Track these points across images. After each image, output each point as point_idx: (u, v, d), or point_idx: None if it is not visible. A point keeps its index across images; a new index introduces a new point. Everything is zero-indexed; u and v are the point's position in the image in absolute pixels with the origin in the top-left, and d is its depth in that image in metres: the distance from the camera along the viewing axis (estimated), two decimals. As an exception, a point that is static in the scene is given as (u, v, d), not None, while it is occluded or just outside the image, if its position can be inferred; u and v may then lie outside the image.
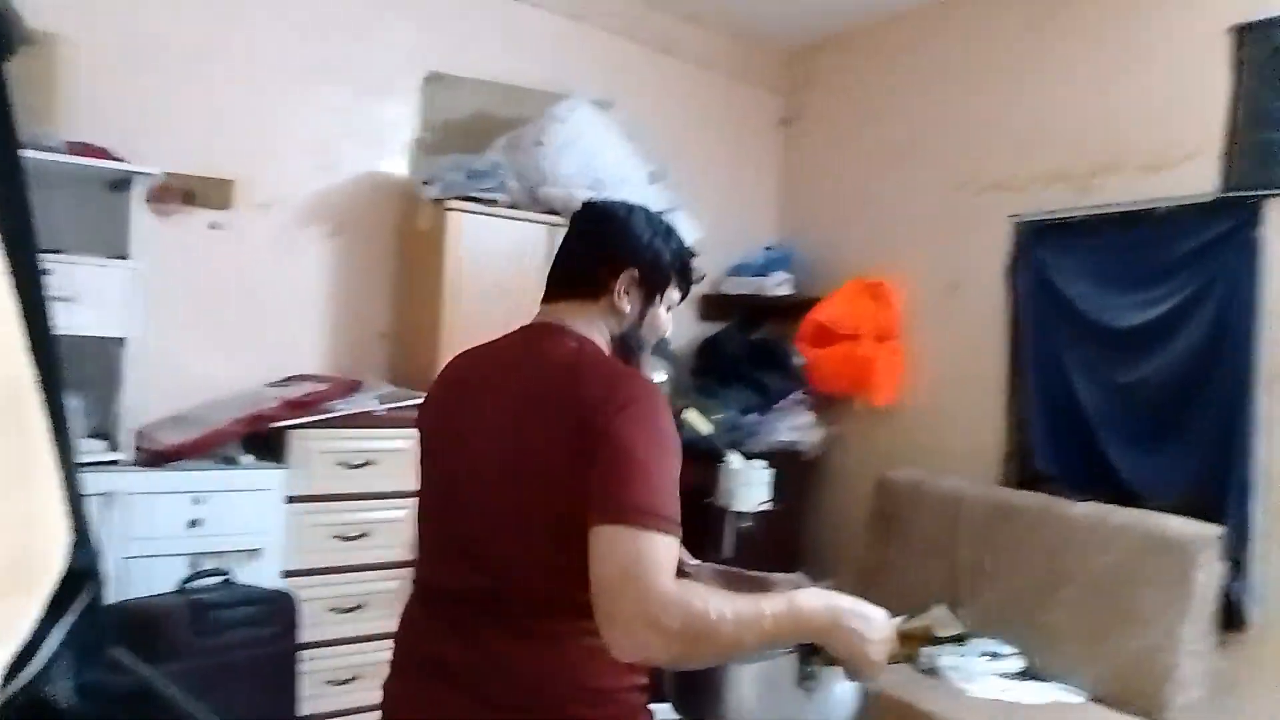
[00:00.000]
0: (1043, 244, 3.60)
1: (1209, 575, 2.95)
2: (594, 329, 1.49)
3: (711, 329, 4.51)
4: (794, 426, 4.27)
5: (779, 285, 4.34)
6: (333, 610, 3.01)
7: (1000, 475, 3.72)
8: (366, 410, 3.07)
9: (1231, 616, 2.98)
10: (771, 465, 3.84)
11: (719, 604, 1.20)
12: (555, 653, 1.34)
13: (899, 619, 1.45)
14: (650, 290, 1.54)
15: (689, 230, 3.75)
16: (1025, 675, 3.14)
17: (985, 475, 3.75)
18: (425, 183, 3.36)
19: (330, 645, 3.00)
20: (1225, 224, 3.05)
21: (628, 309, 1.51)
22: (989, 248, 3.79)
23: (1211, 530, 2.96)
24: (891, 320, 4.12)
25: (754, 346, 4.36)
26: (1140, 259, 3.28)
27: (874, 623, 1.36)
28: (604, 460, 1.25)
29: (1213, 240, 3.07)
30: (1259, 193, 2.98)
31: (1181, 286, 3.14)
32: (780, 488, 3.89)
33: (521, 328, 1.53)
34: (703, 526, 3.91)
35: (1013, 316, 3.70)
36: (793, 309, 4.32)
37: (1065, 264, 3.52)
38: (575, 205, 1.70)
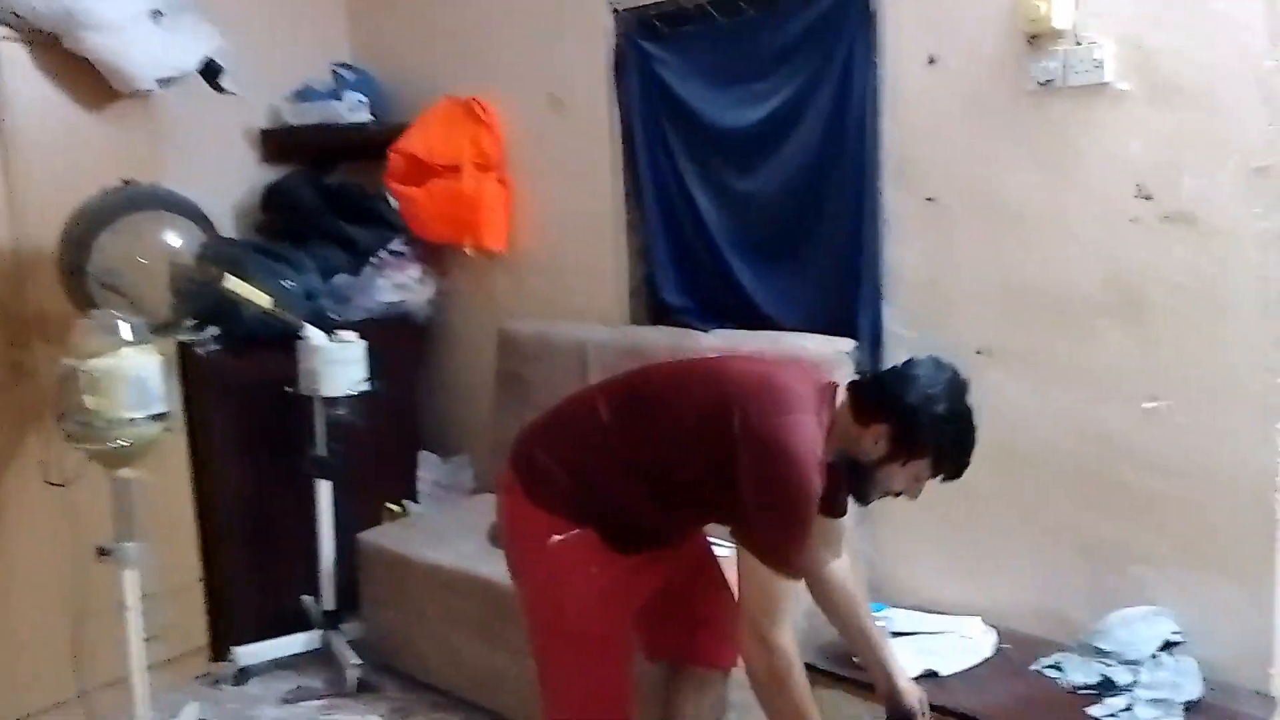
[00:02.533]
0: (650, 38, 3.05)
1: (847, 395, 2.68)
2: (839, 431, 1.73)
3: (276, 174, 3.62)
4: (397, 286, 3.58)
5: (354, 111, 3.52)
6: None
7: (629, 314, 3.27)
8: None
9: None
10: (373, 336, 3.13)
11: (802, 681, 1.73)
12: None
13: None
14: (897, 451, 1.70)
15: (205, 40, 2.84)
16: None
17: (614, 316, 3.29)
18: None
19: None
20: (839, -5, 2.64)
21: (870, 452, 1.71)
22: (591, 48, 3.20)
23: (843, 345, 2.68)
24: (495, 145, 3.47)
25: (333, 192, 3.55)
26: (754, 47, 2.82)
27: None
28: None
29: (828, 15, 2.66)
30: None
31: (796, 72, 2.73)
32: (387, 361, 3.21)
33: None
34: (289, 423, 3.17)
35: (625, 129, 3.18)
36: (375, 142, 3.52)
37: (676, 60, 3.00)
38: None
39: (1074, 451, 2.47)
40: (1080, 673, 2.28)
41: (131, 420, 2.25)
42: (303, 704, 2.93)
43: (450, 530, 3.01)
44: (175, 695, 2.98)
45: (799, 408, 1.67)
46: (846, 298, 2.70)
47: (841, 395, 1.77)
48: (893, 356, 2.70)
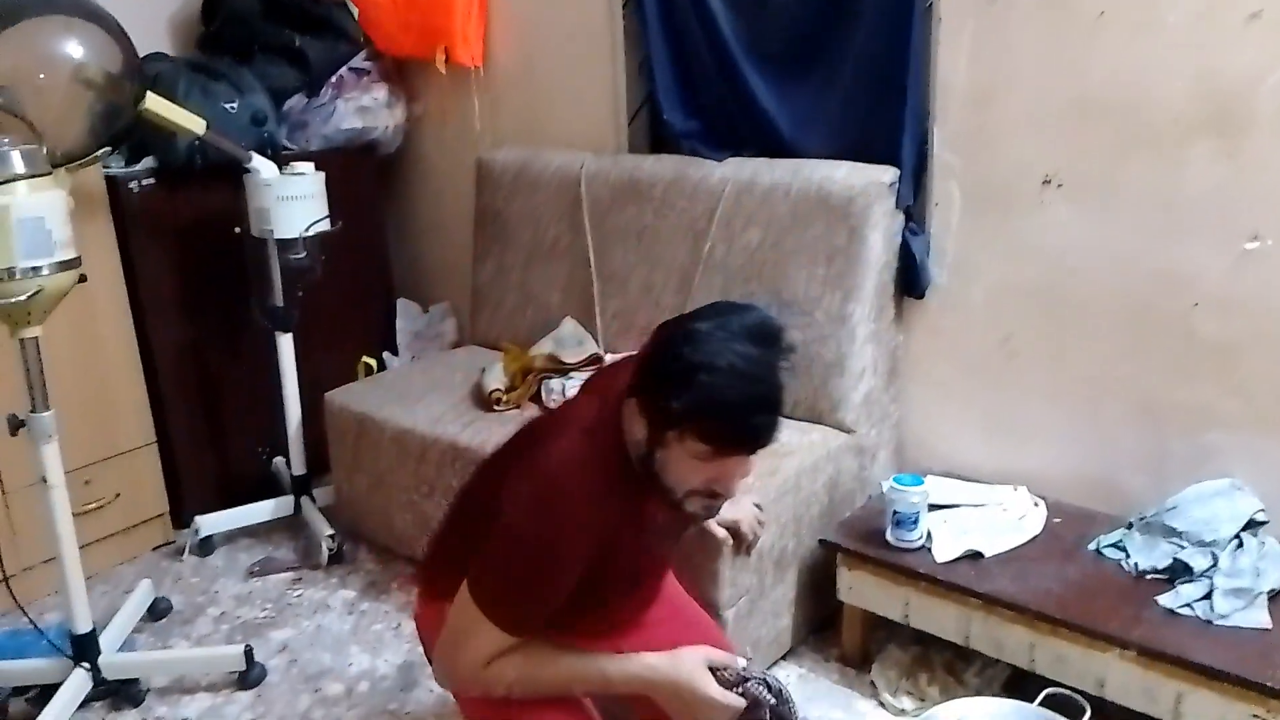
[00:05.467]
0: None
1: (883, 234, 2.29)
2: (626, 427, 1.36)
3: (212, -23, 3.10)
4: (360, 110, 3.11)
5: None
6: None
7: (627, 140, 2.83)
8: None
9: (909, 281, 2.37)
10: (333, 168, 2.71)
11: (510, 664, 1.35)
12: None
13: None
14: (655, 430, 1.30)
15: None
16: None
17: (609, 143, 2.86)
18: None
19: None
20: None
21: (636, 437, 1.33)
22: None
23: (881, 175, 2.27)
24: (467, -60, 2.94)
25: (279, -1, 3.04)
26: None
27: (695, 694, 1.38)
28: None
29: None
30: None
31: None
32: (349, 197, 2.81)
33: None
34: (240, 267, 2.79)
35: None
36: (327, -64, 3.00)
37: None
38: None
39: (1144, 298, 2.11)
40: (1146, 555, 1.98)
41: (30, 270, 1.87)
42: (270, 577, 2.67)
43: (423, 389, 2.68)
44: (130, 568, 2.72)
45: (567, 426, 1.40)
46: (886, 117, 2.27)
47: (629, 399, 1.37)
48: (941, 190, 2.31)
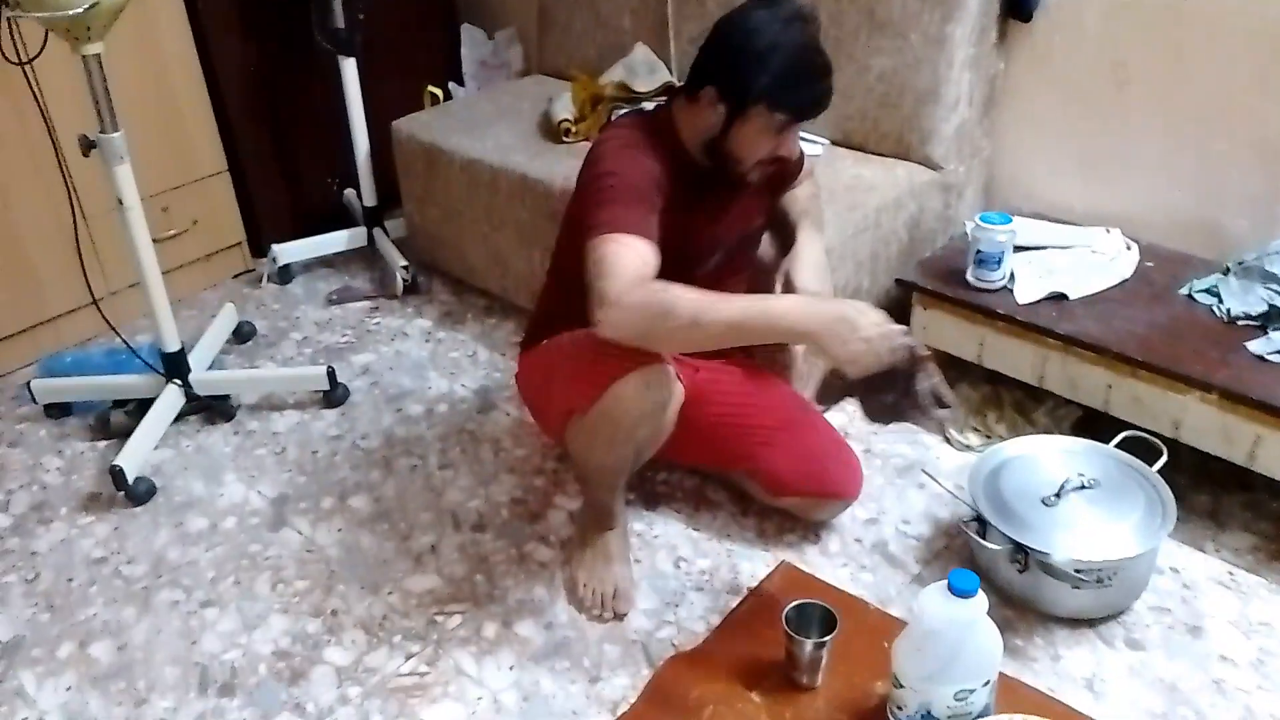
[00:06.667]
0: None
1: (990, -55, 2.07)
2: (685, 125, 1.56)
3: None
4: None
5: None
6: None
7: None
8: None
9: (1015, 0, 2.16)
10: None
11: (681, 290, 1.38)
12: None
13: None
14: (733, 109, 1.49)
15: None
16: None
17: None
18: None
19: None
20: None
21: (713, 124, 1.52)
22: None
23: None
24: None
25: None
26: None
27: (859, 320, 1.38)
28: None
29: None
30: None
31: None
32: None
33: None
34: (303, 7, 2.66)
35: None
36: None
37: None
38: None
39: (1263, 17, 1.89)
40: (1239, 300, 1.90)
41: (81, -20, 1.79)
42: (349, 305, 2.73)
43: (491, 118, 2.60)
44: (213, 294, 2.80)
45: (614, 125, 1.58)
46: None
47: (679, 98, 1.59)
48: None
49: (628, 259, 1.38)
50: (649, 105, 2.39)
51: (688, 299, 1.37)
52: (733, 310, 1.40)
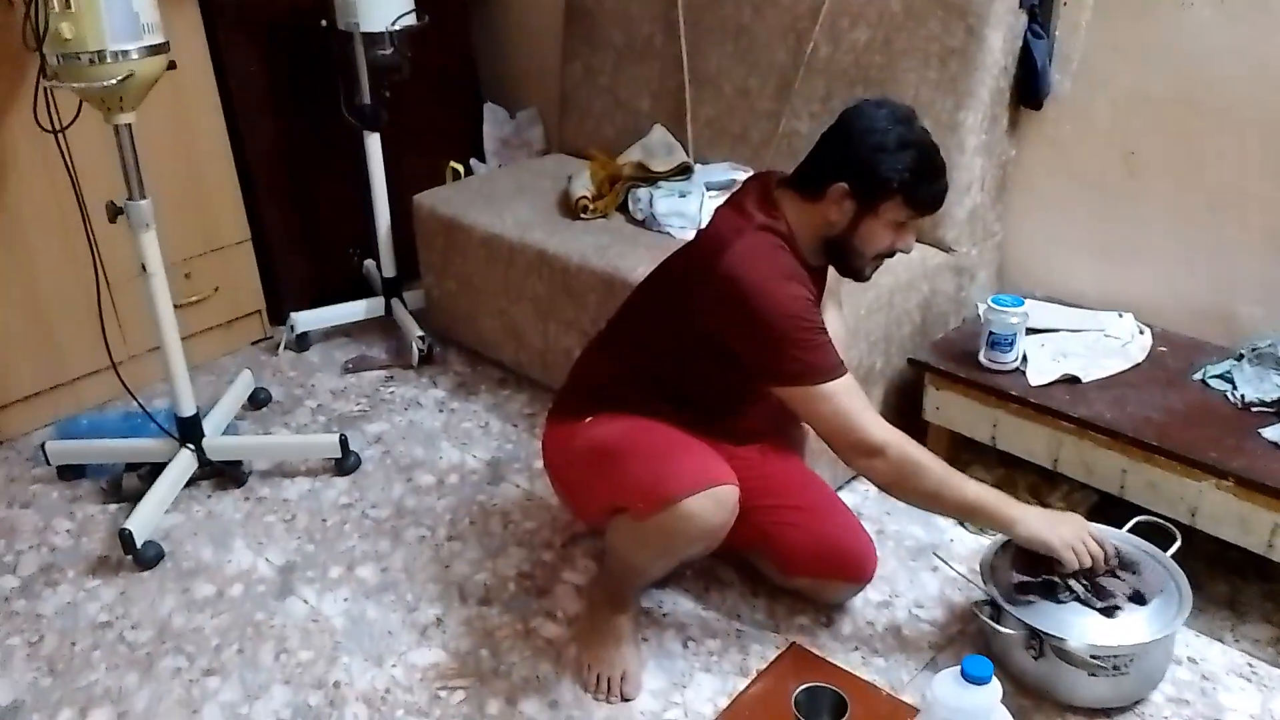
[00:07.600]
0: None
1: (1003, 34, 2.12)
2: (801, 224, 1.58)
3: None
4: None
5: None
6: None
7: (727, -70, 2.64)
8: None
9: (1028, 88, 2.20)
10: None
11: (925, 456, 1.55)
12: None
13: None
14: (864, 204, 1.53)
15: None
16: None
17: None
18: None
19: None
20: None
21: (839, 220, 1.55)
22: None
23: (1007, -31, 2.08)
24: None
25: None
26: None
27: (1061, 521, 1.59)
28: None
29: None
30: None
31: None
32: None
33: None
34: (327, 65, 2.74)
35: None
36: None
37: None
38: None
39: (1273, 107, 1.93)
40: (1253, 386, 1.90)
41: (119, 53, 1.85)
42: (364, 374, 2.75)
43: (510, 194, 2.65)
44: (231, 360, 2.83)
45: (735, 236, 1.54)
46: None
47: (794, 196, 1.60)
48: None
49: (862, 404, 1.53)
50: (665, 185, 2.43)
51: (935, 467, 1.54)
52: (967, 495, 1.55)
